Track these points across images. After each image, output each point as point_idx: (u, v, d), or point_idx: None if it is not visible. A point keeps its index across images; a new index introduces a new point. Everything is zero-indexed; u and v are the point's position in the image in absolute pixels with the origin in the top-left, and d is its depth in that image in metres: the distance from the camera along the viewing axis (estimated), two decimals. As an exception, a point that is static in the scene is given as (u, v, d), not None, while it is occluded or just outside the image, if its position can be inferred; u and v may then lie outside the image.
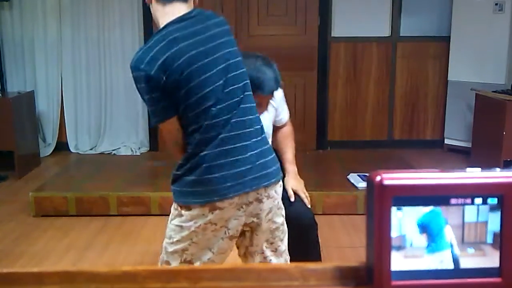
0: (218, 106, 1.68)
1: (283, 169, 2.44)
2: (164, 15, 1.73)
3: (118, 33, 5.27)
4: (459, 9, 5.04)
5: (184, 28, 1.69)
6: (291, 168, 2.44)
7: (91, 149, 5.46)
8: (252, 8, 5.27)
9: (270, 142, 2.49)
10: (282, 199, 2.38)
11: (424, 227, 0.74)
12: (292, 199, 2.36)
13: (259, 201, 1.77)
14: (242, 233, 1.84)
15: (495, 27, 4.84)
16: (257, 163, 1.74)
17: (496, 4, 4.80)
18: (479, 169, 0.74)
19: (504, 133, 4.22)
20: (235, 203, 1.72)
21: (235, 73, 1.73)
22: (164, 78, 1.63)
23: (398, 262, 0.73)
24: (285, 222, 1.95)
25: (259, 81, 2.07)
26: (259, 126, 1.79)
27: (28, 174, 4.81)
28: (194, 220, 1.73)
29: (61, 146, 5.47)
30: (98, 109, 5.47)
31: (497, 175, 0.73)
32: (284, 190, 2.36)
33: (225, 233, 1.77)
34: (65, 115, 5.44)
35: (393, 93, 5.49)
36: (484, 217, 0.74)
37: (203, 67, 1.67)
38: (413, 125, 5.55)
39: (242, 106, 1.73)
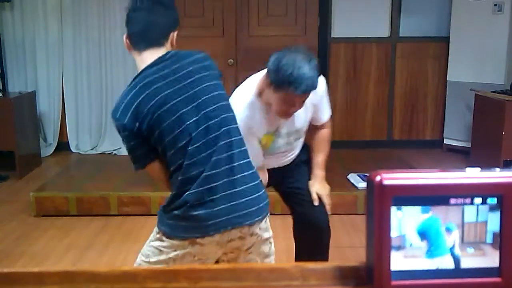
0: (195, 145, 1.65)
1: (311, 172, 2.40)
2: (142, 62, 1.74)
3: (119, 33, 5.26)
4: (459, 9, 5.04)
5: (158, 71, 1.69)
6: (319, 172, 2.39)
7: (92, 149, 5.46)
8: (252, 8, 5.27)
9: (303, 141, 2.40)
10: (304, 201, 2.35)
11: (423, 234, 0.74)
12: (316, 203, 2.33)
13: (242, 238, 1.73)
14: (218, 261, 1.82)
15: (494, 28, 4.84)
16: (242, 200, 1.69)
17: (495, 5, 4.79)
18: (479, 169, 0.74)
19: (504, 133, 4.22)
20: (216, 241, 1.70)
21: (210, 108, 1.69)
22: (137, 125, 1.65)
23: (398, 262, 0.73)
24: (273, 249, 1.88)
25: (293, 78, 1.93)
26: (245, 161, 1.74)
27: (29, 174, 4.81)
28: (173, 248, 1.73)
29: (62, 146, 5.47)
30: (99, 109, 5.47)
31: (497, 175, 0.73)
32: (309, 193, 2.34)
33: (202, 262, 1.76)
34: (66, 115, 5.44)
35: (393, 94, 5.49)
36: (483, 217, 0.74)
37: (174, 107, 1.65)
38: (412, 125, 5.55)
39: (222, 142, 1.68)
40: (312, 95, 2.13)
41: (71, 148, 5.47)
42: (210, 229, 1.67)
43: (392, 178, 0.72)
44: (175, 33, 1.79)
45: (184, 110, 1.66)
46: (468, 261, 0.75)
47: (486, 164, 4.29)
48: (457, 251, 0.74)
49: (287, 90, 1.96)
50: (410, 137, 5.55)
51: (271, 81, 2.00)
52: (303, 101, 2.06)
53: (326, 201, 2.35)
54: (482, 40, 4.90)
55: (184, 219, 1.69)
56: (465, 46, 5.03)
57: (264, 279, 0.80)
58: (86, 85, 5.41)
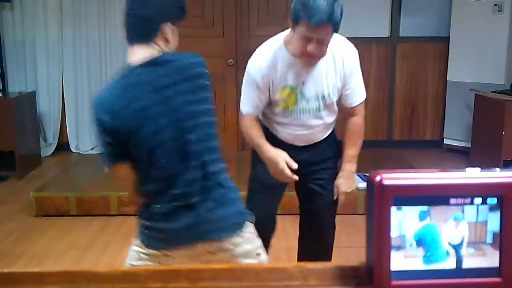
0: (168, 159, 1.63)
1: (337, 171, 2.30)
2: (131, 54, 1.66)
3: (119, 34, 5.26)
4: (459, 9, 5.04)
5: (146, 74, 1.62)
6: (347, 166, 2.26)
7: (92, 149, 5.46)
8: (252, 8, 5.27)
9: (333, 121, 2.31)
10: (317, 199, 2.30)
11: (419, 241, 0.74)
12: (335, 197, 2.29)
13: (212, 253, 1.71)
14: None
15: (494, 28, 4.84)
16: (211, 216, 1.67)
17: (495, 5, 4.80)
18: (479, 169, 0.74)
19: (503, 133, 4.23)
20: (184, 254, 1.70)
21: (190, 122, 1.64)
22: (114, 126, 1.60)
23: (398, 262, 0.73)
24: (264, 258, 1.83)
25: (306, 7, 1.91)
26: (221, 178, 1.71)
27: (29, 174, 4.81)
28: (150, 257, 1.74)
29: (62, 146, 5.47)
30: (98, 109, 5.46)
31: (497, 175, 0.73)
32: (326, 193, 2.30)
33: None
34: (66, 115, 5.45)
35: (393, 94, 5.49)
36: (483, 217, 0.74)
37: (155, 120, 1.61)
38: (412, 125, 5.55)
39: (197, 159, 1.65)
40: (340, 64, 2.11)
41: (71, 148, 5.47)
42: (176, 241, 1.68)
43: (392, 178, 0.72)
44: (170, 27, 1.67)
45: (164, 123, 1.61)
46: (468, 261, 0.75)
47: (486, 164, 4.29)
48: (463, 251, 0.74)
49: (303, 22, 1.95)
50: (410, 137, 5.55)
51: (291, 19, 2.01)
52: (323, 43, 2.01)
53: (341, 197, 2.28)
54: (482, 40, 4.90)
55: (154, 230, 1.70)
56: (465, 46, 5.03)
57: (263, 279, 0.80)
58: (86, 85, 5.41)
